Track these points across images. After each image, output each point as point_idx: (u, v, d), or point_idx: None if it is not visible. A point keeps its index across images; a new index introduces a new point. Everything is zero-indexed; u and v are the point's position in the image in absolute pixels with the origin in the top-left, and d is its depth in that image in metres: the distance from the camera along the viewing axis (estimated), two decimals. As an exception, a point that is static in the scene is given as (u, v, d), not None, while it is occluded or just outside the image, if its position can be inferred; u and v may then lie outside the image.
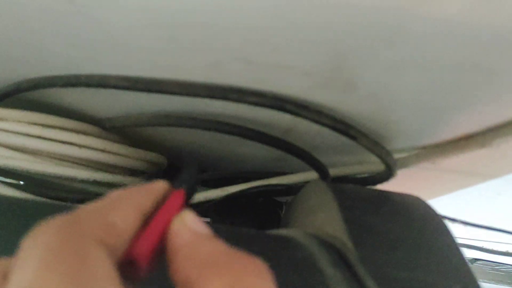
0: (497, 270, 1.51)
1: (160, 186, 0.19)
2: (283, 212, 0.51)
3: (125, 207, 0.17)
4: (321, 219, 0.34)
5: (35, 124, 0.38)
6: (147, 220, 0.18)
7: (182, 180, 0.20)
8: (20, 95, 0.37)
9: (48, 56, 0.32)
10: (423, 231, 0.34)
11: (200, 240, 0.18)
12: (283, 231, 0.33)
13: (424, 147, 0.42)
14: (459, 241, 0.35)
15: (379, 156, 0.36)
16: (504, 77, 0.28)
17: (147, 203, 0.18)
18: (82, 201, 0.43)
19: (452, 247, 0.34)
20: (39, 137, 0.37)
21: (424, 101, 0.32)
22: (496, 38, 0.23)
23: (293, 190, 0.47)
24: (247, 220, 0.50)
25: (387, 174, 0.40)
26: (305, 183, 0.43)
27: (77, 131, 0.39)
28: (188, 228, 0.18)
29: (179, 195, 0.19)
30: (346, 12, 0.22)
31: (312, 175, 0.45)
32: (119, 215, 0.17)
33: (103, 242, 0.15)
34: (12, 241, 0.28)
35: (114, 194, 0.18)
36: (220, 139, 0.43)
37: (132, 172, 0.45)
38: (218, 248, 0.17)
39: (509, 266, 1.42)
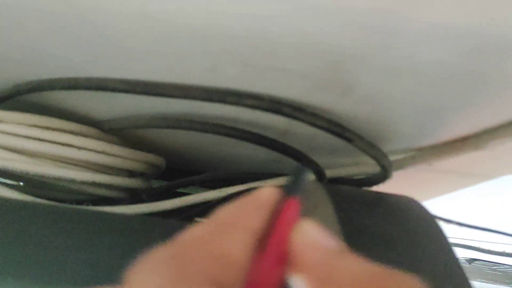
0: (494, 270, 1.51)
1: (269, 195, 0.16)
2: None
3: (236, 232, 0.15)
4: (316, 220, 0.34)
5: (34, 126, 0.38)
6: (261, 240, 0.15)
7: (295, 186, 0.17)
8: (20, 98, 0.37)
9: (47, 59, 0.33)
10: (417, 232, 0.34)
11: (335, 258, 0.15)
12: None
13: (419, 149, 0.42)
14: (456, 241, 0.35)
15: (375, 158, 0.36)
16: (498, 79, 0.28)
17: (259, 222, 0.15)
18: (81, 202, 0.43)
19: (445, 248, 0.34)
20: (38, 139, 0.38)
21: (419, 103, 0.32)
22: (490, 41, 0.24)
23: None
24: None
25: (383, 175, 0.40)
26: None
27: (76, 133, 0.39)
28: (315, 244, 0.15)
29: (294, 205, 0.16)
30: (341, 16, 0.22)
31: (308, 176, 0.45)
32: (231, 243, 0.14)
33: (217, 280, 0.13)
34: (11, 243, 0.28)
35: (220, 215, 0.15)
36: (218, 141, 0.44)
37: (131, 174, 0.45)
38: (360, 265, 0.15)
39: (507, 266, 1.42)
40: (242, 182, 0.47)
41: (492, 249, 1.12)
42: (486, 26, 0.22)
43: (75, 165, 0.40)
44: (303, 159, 0.41)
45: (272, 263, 0.15)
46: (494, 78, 0.28)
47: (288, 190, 0.16)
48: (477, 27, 0.22)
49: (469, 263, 1.37)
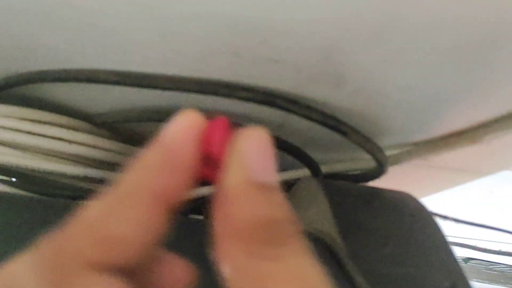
0: (490, 269, 1.51)
1: (193, 120, 0.16)
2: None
3: (134, 206, 0.14)
4: (311, 215, 0.34)
5: (24, 119, 0.37)
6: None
7: None
8: (9, 91, 0.37)
9: (37, 51, 0.32)
10: (413, 227, 0.34)
11: (262, 196, 0.15)
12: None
13: (415, 144, 0.42)
14: (452, 239, 0.35)
15: (370, 152, 0.36)
16: (495, 72, 0.28)
17: (169, 181, 0.15)
18: (73, 197, 0.42)
19: (441, 243, 0.34)
20: (29, 132, 0.37)
21: (414, 96, 0.31)
22: (487, 32, 0.23)
23: (285, 187, 0.46)
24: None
25: (379, 171, 0.40)
26: (297, 180, 0.43)
27: (67, 127, 0.39)
28: (249, 174, 0.15)
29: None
30: (333, 5, 0.22)
31: (304, 172, 0.45)
32: (121, 221, 0.14)
33: (98, 262, 0.13)
34: (3, 237, 0.28)
35: (120, 184, 0.14)
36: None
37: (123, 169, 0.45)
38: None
39: (503, 265, 1.42)
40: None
41: (488, 247, 1.12)
42: (484, 16, 0.22)
43: (66, 159, 0.39)
44: (298, 154, 0.40)
45: (218, 130, 0.16)
46: (490, 71, 0.28)
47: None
48: (474, 17, 0.22)
49: (465, 262, 1.37)
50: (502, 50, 0.25)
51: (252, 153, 0.15)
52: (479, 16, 0.22)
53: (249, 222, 0.14)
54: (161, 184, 0.15)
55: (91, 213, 0.14)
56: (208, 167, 0.16)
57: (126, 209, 0.14)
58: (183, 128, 0.16)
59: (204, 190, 0.45)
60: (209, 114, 0.17)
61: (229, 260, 0.14)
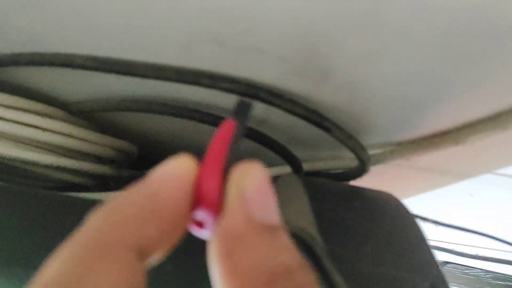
0: (466, 274, 1.53)
1: (185, 167, 0.15)
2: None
3: (108, 263, 0.12)
4: (291, 212, 0.33)
5: (-4, 104, 0.36)
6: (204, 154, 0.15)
7: (235, 111, 0.18)
8: (-19, 73, 0.35)
9: (10, 32, 0.30)
10: (394, 227, 0.33)
11: (267, 239, 0.13)
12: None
13: (398, 144, 0.41)
14: (430, 243, 0.35)
15: (353, 150, 0.35)
16: (480, 71, 0.27)
17: (154, 231, 0.13)
18: (44, 187, 0.41)
19: (422, 244, 0.34)
20: (0, 118, 0.36)
21: (399, 94, 0.31)
22: (475, 29, 0.23)
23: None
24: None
25: (361, 169, 0.39)
26: (277, 177, 0.42)
27: (42, 114, 0.37)
28: (249, 213, 0.13)
29: (230, 124, 0.17)
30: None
31: (285, 169, 0.44)
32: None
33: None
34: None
35: (92, 236, 0.12)
36: (193, 128, 0.42)
37: (100, 160, 0.43)
38: (286, 253, 0.13)
39: (478, 270, 1.44)
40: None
41: (465, 251, 1.13)
42: (474, 11, 0.21)
43: (40, 147, 0.38)
44: (280, 150, 0.39)
45: (215, 178, 0.15)
46: (476, 70, 0.27)
47: (232, 114, 0.17)
48: (464, 11, 0.21)
49: (442, 266, 1.39)
50: (489, 50, 0.25)
51: (252, 192, 0.14)
52: (469, 10, 0.21)
53: (257, 271, 0.12)
54: (143, 236, 0.13)
55: (53, 272, 0.12)
56: (203, 212, 0.15)
57: (98, 268, 0.12)
58: (174, 175, 0.14)
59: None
60: (202, 150, 0.16)
61: None
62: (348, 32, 0.23)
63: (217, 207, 0.14)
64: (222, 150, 0.16)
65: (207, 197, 0.14)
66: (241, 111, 0.18)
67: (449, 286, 0.31)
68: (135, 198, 0.14)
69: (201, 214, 0.15)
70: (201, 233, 0.15)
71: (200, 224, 0.15)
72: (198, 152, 0.51)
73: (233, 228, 0.13)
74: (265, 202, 0.14)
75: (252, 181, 0.14)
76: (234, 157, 0.16)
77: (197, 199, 0.15)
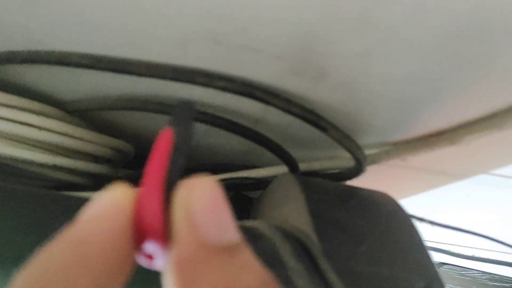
0: (463, 275, 1.53)
1: (119, 199, 0.13)
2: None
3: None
4: (287, 212, 0.33)
5: (-9, 102, 0.35)
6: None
7: (174, 117, 0.15)
8: (-24, 71, 0.35)
9: (5, 29, 0.30)
10: (390, 227, 0.33)
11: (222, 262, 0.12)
12: (246, 222, 0.32)
13: (394, 144, 0.41)
14: (426, 243, 0.35)
15: (349, 149, 0.35)
16: (475, 71, 0.27)
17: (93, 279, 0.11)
18: (39, 186, 0.41)
19: (418, 244, 0.34)
20: (-5, 116, 0.35)
21: (394, 93, 0.31)
22: (471, 29, 0.23)
23: (263, 184, 0.46)
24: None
25: (357, 169, 0.39)
26: (274, 177, 0.42)
27: (37, 113, 0.37)
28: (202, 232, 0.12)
29: (166, 137, 0.14)
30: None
31: (282, 169, 0.44)
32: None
33: None
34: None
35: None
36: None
37: (96, 159, 0.43)
38: (247, 274, 0.12)
39: (475, 271, 1.44)
40: (214, 173, 0.46)
41: (461, 252, 1.13)
42: (469, 10, 0.21)
43: (35, 146, 0.38)
44: (276, 150, 0.39)
45: (155, 204, 0.13)
46: (472, 71, 0.27)
47: (171, 121, 0.15)
48: (459, 10, 0.21)
49: (438, 267, 1.39)
50: (483, 50, 0.25)
51: (201, 212, 0.13)
52: (464, 9, 0.21)
53: None
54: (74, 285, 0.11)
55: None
56: (149, 243, 0.13)
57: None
58: (106, 212, 0.13)
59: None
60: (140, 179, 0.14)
61: None
62: (343, 32, 0.23)
63: (164, 236, 0.13)
64: (160, 170, 0.14)
65: (150, 228, 0.13)
66: (182, 115, 0.15)
67: (445, 287, 0.31)
68: (61, 250, 0.12)
69: (148, 246, 0.13)
70: (153, 265, 0.14)
71: (150, 256, 0.14)
72: (192, 153, 0.50)
73: (186, 256, 0.12)
74: (218, 220, 0.13)
75: (199, 199, 0.13)
76: (179, 172, 0.14)
77: (141, 230, 0.13)
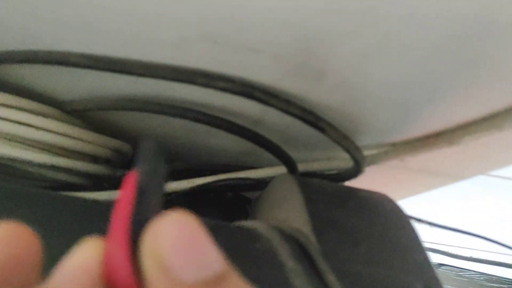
0: (461, 276, 1.53)
1: (87, 256, 0.12)
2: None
3: None
4: (285, 212, 0.33)
5: (-11, 102, 0.35)
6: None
7: (137, 160, 0.14)
8: (-25, 71, 0.35)
9: (4, 29, 0.30)
10: (388, 227, 0.33)
11: None
12: (245, 223, 0.32)
13: (393, 144, 0.41)
14: (424, 244, 0.35)
15: (348, 150, 0.35)
16: (474, 72, 0.28)
17: None
18: (37, 187, 0.41)
19: (416, 245, 0.34)
20: (-8, 116, 0.35)
21: (393, 94, 0.31)
22: (469, 31, 0.23)
23: (261, 184, 0.46)
24: (215, 216, 0.49)
25: (356, 170, 0.39)
26: (273, 178, 0.42)
27: (36, 113, 0.37)
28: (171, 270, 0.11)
29: (130, 181, 0.14)
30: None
31: (281, 170, 0.44)
32: None
33: None
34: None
35: None
36: (188, 128, 0.42)
37: (95, 159, 0.43)
38: None
39: (473, 272, 1.45)
40: (213, 173, 0.46)
41: (459, 253, 1.13)
42: (467, 12, 0.21)
43: (34, 146, 0.38)
44: (275, 151, 0.39)
45: (123, 257, 0.12)
46: (470, 72, 0.27)
47: (136, 163, 0.14)
48: (457, 12, 0.21)
49: (436, 268, 1.39)
50: (483, 51, 0.25)
51: (171, 253, 0.11)
52: (462, 11, 0.21)
53: None
54: None
55: None
56: None
57: None
58: (72, 273, 0.12)
59: (176, 185, 0.44)
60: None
61: None
62: (343, 33, 0.23)
63: (138, 287, 0.12)
64: (124, 219, 0.13)
65: (121, 282, 0.12)
66: (146, 153, 0.14)
67: (442, 284, 0.31)
68: None
69: None
70: None
71: None
72: (190, 153, 0.50)
73: None
74: (193, 255, 0.12)
75: (166, 240, 0.12)
76: (149, 213, 0.13)
77: (113, 285, 0.12)
